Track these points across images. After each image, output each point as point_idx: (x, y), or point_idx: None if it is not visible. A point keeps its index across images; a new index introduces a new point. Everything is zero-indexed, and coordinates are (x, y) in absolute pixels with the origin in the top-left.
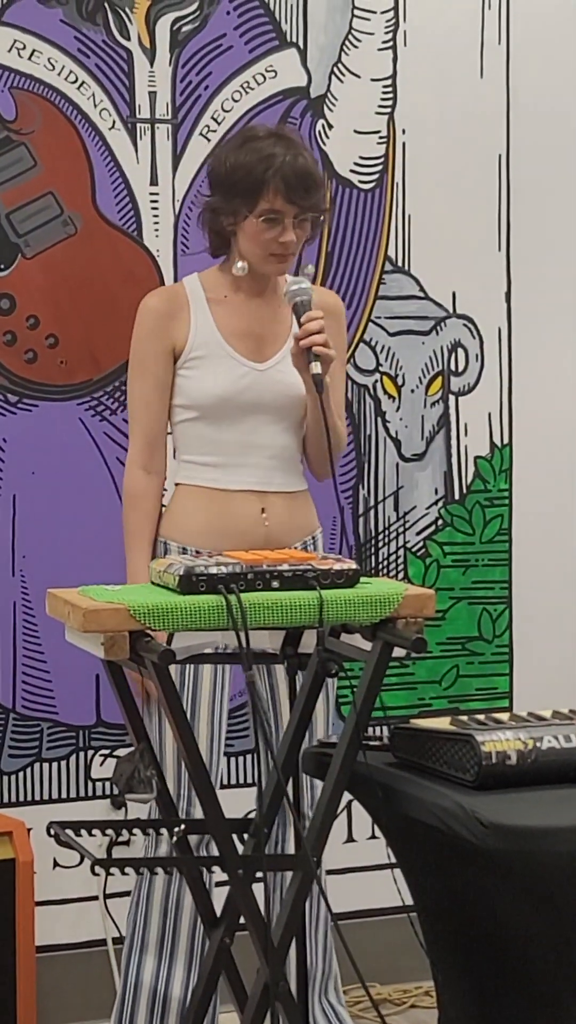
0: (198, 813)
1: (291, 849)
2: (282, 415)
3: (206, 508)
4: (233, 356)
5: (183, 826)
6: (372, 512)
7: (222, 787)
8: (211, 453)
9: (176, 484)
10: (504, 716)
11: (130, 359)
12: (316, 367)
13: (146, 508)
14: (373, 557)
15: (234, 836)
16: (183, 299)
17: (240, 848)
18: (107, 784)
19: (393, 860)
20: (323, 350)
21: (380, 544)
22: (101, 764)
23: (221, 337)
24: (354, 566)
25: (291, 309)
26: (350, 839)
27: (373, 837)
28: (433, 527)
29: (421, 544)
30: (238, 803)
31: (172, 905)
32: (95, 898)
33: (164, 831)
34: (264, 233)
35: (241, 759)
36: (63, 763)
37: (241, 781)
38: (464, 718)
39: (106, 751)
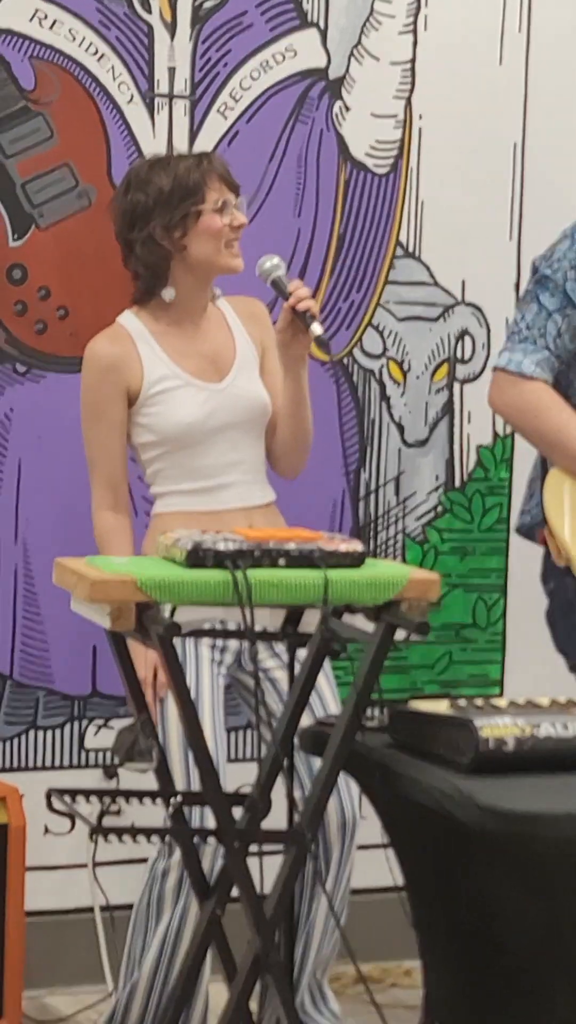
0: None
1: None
2: (250, 427)
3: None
4: (191, 383)
5: (179, 797)
6: (373, 496)
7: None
8: (194, 479)
9: (155, 514)
10: (502, 702)
11: (83, 406)
12: (317, 328)
13: (121, 545)
14: (372, 541)
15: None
16: (127, 338)
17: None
18: (100, 754)
19: (379, 841)
20: (317, 312)
21: (379, 528)
22: (95, 734)
23: (176, 367)
24: (360, 547)
25: (270, 285)
26: None
27: (361, 817)
28: (433, 513)
29: (420, 530)
30: (235, 777)
31: (180, 907)
32: (84, 866)
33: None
34: (219, 223)
35: (232, 735)
36: (58, 731)
37: (233, 756)
38: (462, 702)
39: (100, 721)
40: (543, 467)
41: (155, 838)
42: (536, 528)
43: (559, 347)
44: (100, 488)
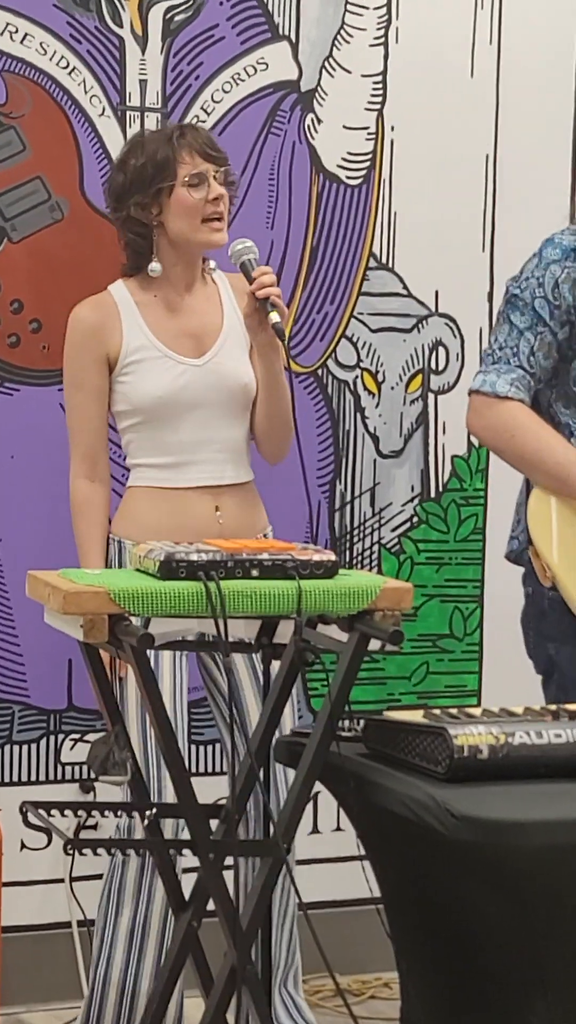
0: (168, 797)
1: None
2: (227, 408)
3: (159, 507)
4: (168, 355)
5: (154, 809)
6: (348, 507)
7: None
8: (162, 454)
9: (128, 487)
10: (476, 711)
11: (64, 371)
12: (275, 316)
13: (94, 516)
14: (348, 552)
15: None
16: (112, 306)
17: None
18: (76, 768)
19: (356, 852)
20: (279, 301)
21: (355, 539)
22: (71, 748)
23: (155, 338)
24: (333, 557)
25: (239, 268)
26: (315, 831)
27: (338, 829)
28: (408, 524)
29: (396, 541)
30: (203, 792)
31: (144, 897)
32: (61, 880)
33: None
34: (192, 197)
35: (206, 748)
36: (33, 746)
37: (207, 770)
38: (437, 711)
39: (76, 735)
40: (526, 487)
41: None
42: (524, 553)
43: (534, 365)
44: (78, 456)
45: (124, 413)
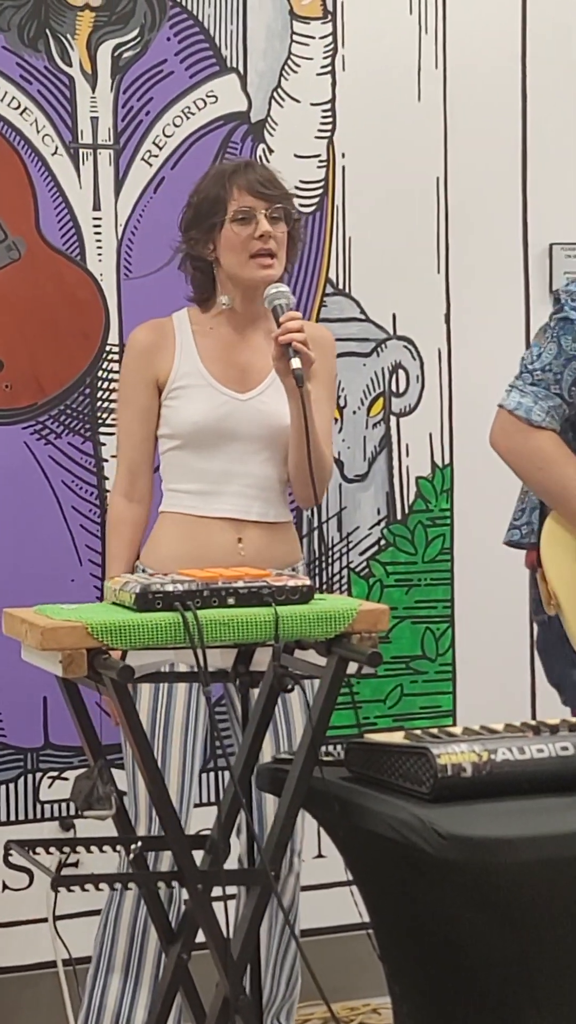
0: (190, 829)
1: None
2: (263, 444)
3: (183, 535)
4: (213, 385)
5: (139, 843)
6: (316, 533)
7: (199, 805)
8: (193, 481)
9: (160, 512)
10: (457, 730)
11: (119, 388)
12: (296, 362)
13: (126, 534)
14: (317, 578)
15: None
16: (170, 331)
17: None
18: (55, 806)
19: (336, 879)
20: (302, 347)
21: (324, 564)
22: (50, 786)
23: (203, 367)
24: (308, 582)
25: (271, 311)
26: None
27: (319, 856)
28: (376, 547)
29: (364, 564)
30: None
31: (140, 926)
32: (45, 920)
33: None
34: (240, 234)
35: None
36: (11, 785)
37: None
38: (418, 732)
39: (54, 773)
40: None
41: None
42: (524, 544)
43: (573, 396)
44: (120, 471)
45: (165, 437)
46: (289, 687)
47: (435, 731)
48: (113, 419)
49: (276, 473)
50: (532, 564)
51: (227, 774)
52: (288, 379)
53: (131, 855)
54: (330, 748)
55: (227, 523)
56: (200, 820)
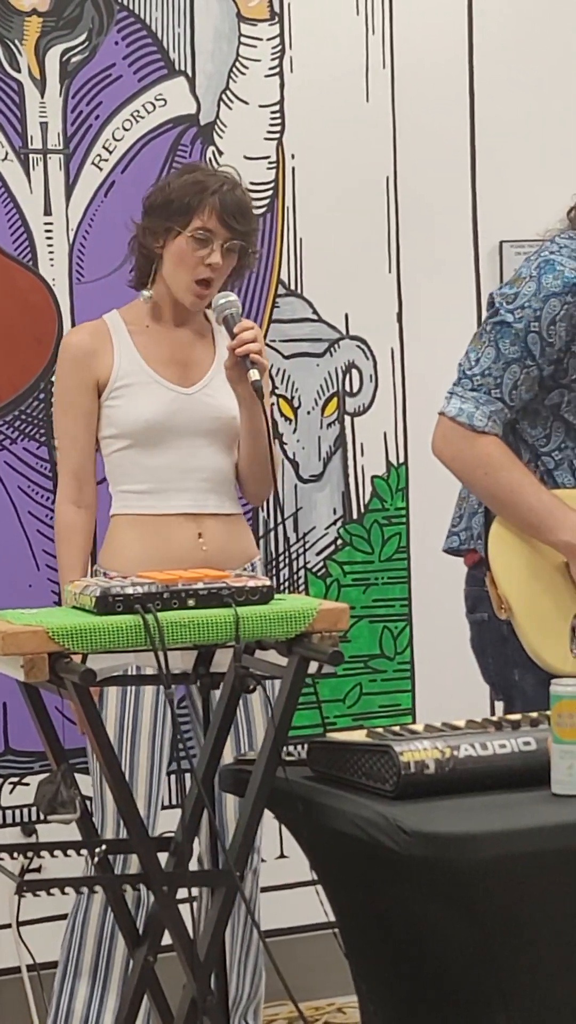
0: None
1: None
2: (213, 437)
3: (142, 536)
4: (158, 381)
5: (104, 846)
6: (272, 534)
7: (166, 807)
8: (146, 480)
9: (112, 515)
10: (419, 727)
11: (55, 394)
12: (254, 374)
13: (78, 542)
14: (275, 578)
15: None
16: (105, 332)
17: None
18: (17, 811)
19: (305, 879)
20: (259, 357)
21: (281, 565)
22: (11, 792)
23: (146, 364)
24: (268, 583)
25: (221, 323)
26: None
27: (282, 856)
28: (332, 547)
29: (321, 564)
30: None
31: (108, 931)
32: (8, 926)
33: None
34: (192, 253)
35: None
36: None
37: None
38: (379, 730)
39: (15, 779)
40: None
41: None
42: (464, 551)
43: (515, 399)
44: (65, 479)
45: (111, 438)
46: (251, 688)
47: (397, 729)
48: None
49: (226, 464)
50: (472, 563)
51: (189, 776)
52: (241, 387)
53: (96, 859)
54: (291, 748)
55: (186, 518)
56: (167, 822)
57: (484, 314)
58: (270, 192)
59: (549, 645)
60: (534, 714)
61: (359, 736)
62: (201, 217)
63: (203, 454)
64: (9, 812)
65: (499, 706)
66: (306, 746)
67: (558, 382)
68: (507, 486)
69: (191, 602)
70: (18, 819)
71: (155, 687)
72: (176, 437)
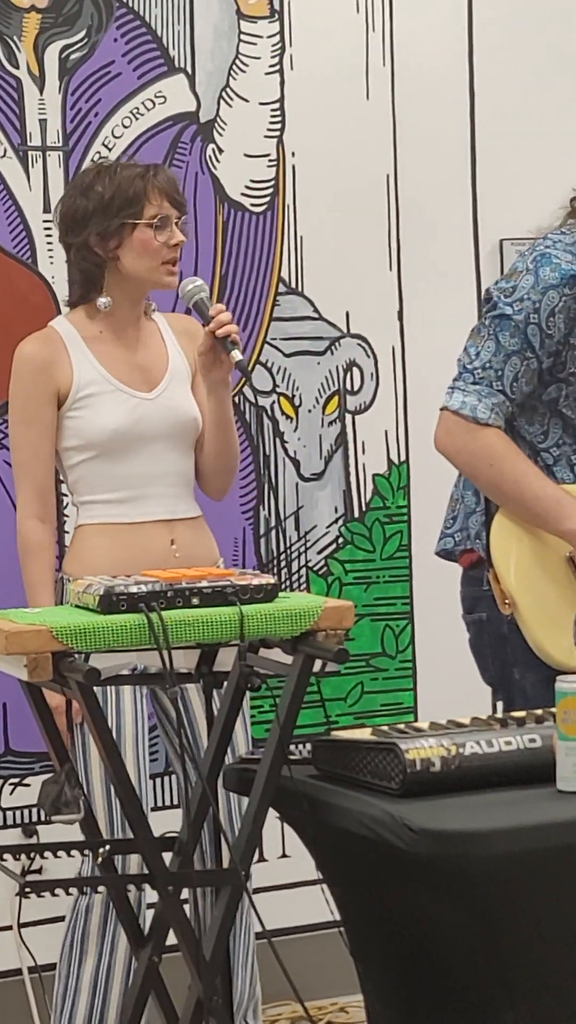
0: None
1: None
2: (178, 441)
3: (113, 544)
4: (121, 389)
5: (107, 847)
6: (273, 532)
7: (155, 809)
8: (115, 489)
9: (77, 526)
10: (424, 724)
11: (11, 407)
12: (237, 354)
13: (47, 559)
14: (276, 577)
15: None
16: (59, 341)
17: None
18: (18, 813)
19: (308, 878)
20: (238, 338)
21: (282, 564)
22: (11, 793)
23: (106, 372)
24: (272, 580)
25: (192, 307)
26: (261, 859)
27: (284, 856)
28: (334, 545)
29: (323, 563)
30: (157, 825)
31: (108, 944)
32: (9, 928)
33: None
34: (155, 239)
35: (156, 781)
36: None
37: (159, 804)
38: (385, 727)
39: (16, 780)
40: (486, 501)
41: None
42: (458, 552)
43: (515, 391)
44: (27, 494)
45: (75, 449)
46: (256, 686)
47: (402, 726)
48: None
49: (189, 467)
50: (468, 564)
51: (177, 776)
52: (215, 372)
53: (100, 859)
54: (294, 747)
55: (158, 524)
56: (157, 825)
57: (481, 310)
58: (270, 190)
59: (553, 639)
60: (539, 711)
61: (364, 734)
62: (153, 203)
63: (169, 458)
64: (10, 813)
65: (501, 705)
66: (310, 745)
67: (556, 376)
68: (512, 477)
69: (195, 600)
70: (19, 820)
71: (133, 693)
72: (142, 444)
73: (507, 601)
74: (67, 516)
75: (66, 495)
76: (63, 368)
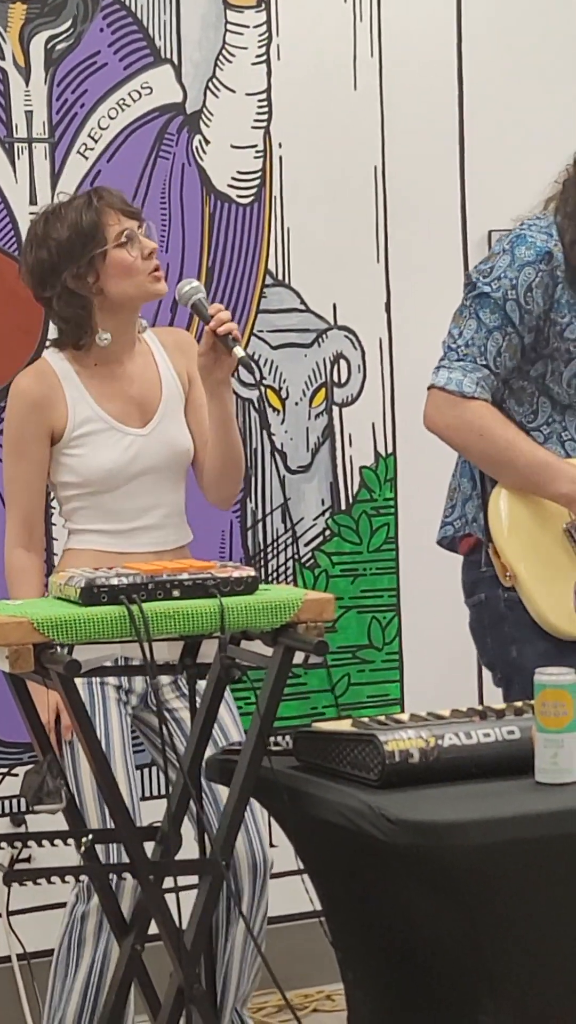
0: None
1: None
2: (170, 472)
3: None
4: (116, 427)
5: (90, 835)
6: (260, 525)
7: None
8: (109, 521)
9: (66, 549)
10: (404, 716)
11: (5, 438)
12: (239, 351)
13: (34, 584)
14: (263, 570)
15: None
16: (53, 377)
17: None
18: (6, 802)
19: (292, 868)
20: (238, 334)
21: (269, 556)
22: (0, 782)
23: (101, 410)
24: (253, 573)
25: (190, 309)
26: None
27: (271, 845)
28: (321, 538)
29: (309, 555)
30: (147, 815)
31: (100, 953)
32: None
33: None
34: (129, 255)
35: (143, 772)
36: None
37: (147, 794)
38: (365, 719)
39: (3, 770)
40: (479, 482)
41: (72, 882)
42: (458, 539)
43: (499, 365)
44: (16, 525)
45: (69, 484)
46: (236, 677)
47: (382, 718)
48: None
49: (181, 496)
50: (467, 550)
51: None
52: (218, 372)
53: (82, 848)
54: (279, 738)
55: (149, 555)
56: (148, 814)
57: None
58: (257, 181)
59: (555, 608)
60: (518, 703)
61: (344, 726)
62: (111, 223)
63: (160, 490)
64: None
65: (487, 695)
66: (291, 736)
67: (540, 353)
68: (502, 444)
69: (176, 593)
70: (6, 810)
71: (118, 685)
72: (136, 479)
73: (508, 574)
74: (56, 539)
75: (55, 522)
76: (58, 406)
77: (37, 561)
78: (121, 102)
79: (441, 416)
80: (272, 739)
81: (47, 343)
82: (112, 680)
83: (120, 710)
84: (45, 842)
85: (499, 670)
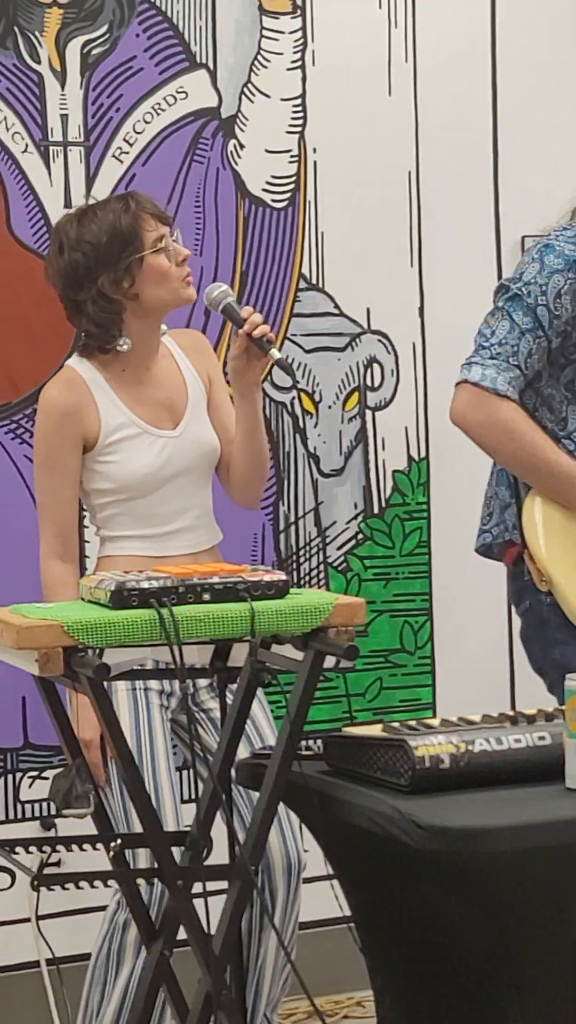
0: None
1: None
2: (201, 473)
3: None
4: (148, 431)
5: (119, 840)
6: (292, 528)
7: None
8: (144, 526)
9: (101, 557)
10: (435, 721)
11: (37, 450)
12: (275, 353)
13: (70, 594)
14: (295, 573)
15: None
16: (83, 385)
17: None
18: (36, 805)
19: (322, 873)
20: (272, 336)
21: (301, 560)
22: (30, 786)
23: (133, 415)
24: (284, 577)
25: (221, 312)
26: None
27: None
28: (353, 541)
29: (342, 559)
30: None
31: (141, 961)
32: (27, 920)
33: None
34: (166, 261)
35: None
36: None
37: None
38: (396, 724)
39: (34, 773)
40: (515, 489)
41: (112, 887)
42: (496, 546)
43: (529, 368)
44: (50, 536)
45: (103, 491)
46: (266, 682)
47: (413, 723)
48: None
49: (209, 495)
50: (511, 560)
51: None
52: (249, 374)
53: (111, 852)
54: (310, 743)
55: (185, 558)
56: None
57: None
58: (292, 186)
59: None
60: (549, 708)
61: (375, 730)
62: (148, 229)
63: (192, 492)
64: (28, 806)
65: (520, 700)
66: (322, 741)
67: (569, 358)
68: (530, 449)
69: (207, 596)
70: (37, 813)
71: (158, 687)
72: (170, 482)
73: (544, 579)
74: (87, 541)
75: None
76: (89, 414)
77: (73, 571)
78: (156, 106)
79: (473, 412)
80: (303, 743)
81: (74, 351)
82: (155, 686)
83: (162, 716)
84: (74, 846)
85: (547, 676)
